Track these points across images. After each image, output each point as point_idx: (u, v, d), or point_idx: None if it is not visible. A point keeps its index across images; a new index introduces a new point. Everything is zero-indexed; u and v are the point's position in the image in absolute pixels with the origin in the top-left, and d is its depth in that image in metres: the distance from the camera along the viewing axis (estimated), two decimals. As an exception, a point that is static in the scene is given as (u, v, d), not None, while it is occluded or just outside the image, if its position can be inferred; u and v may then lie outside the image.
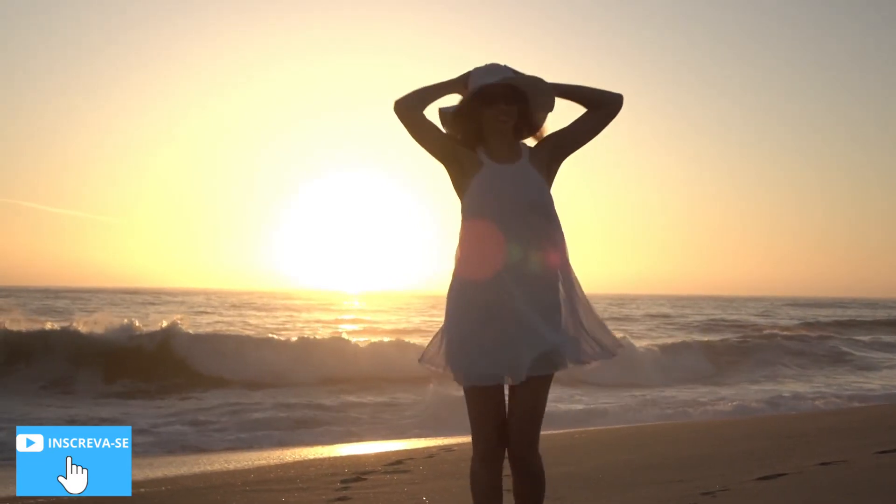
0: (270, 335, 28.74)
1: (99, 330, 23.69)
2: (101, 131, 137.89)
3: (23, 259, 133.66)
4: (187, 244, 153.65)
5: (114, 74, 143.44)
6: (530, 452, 4.05)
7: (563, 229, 4.12)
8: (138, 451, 13.32)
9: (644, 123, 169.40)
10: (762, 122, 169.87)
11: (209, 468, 10.39)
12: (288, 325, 43.66)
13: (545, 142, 4.21)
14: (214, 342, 24.32)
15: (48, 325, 24.46)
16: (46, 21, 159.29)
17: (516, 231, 3.98)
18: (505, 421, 4.09)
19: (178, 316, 28.16)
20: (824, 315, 67.06)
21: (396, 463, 9.10)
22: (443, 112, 4.17)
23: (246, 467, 10.21)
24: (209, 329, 36.95)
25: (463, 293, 4.01)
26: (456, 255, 4.09)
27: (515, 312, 3.93)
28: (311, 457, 10.98)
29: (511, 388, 4.07)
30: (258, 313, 56.93)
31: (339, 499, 7.33)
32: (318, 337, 27.17)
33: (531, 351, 3.93)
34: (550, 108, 4.15)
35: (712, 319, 57.66)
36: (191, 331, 25.51)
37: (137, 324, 25.02)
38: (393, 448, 11.53)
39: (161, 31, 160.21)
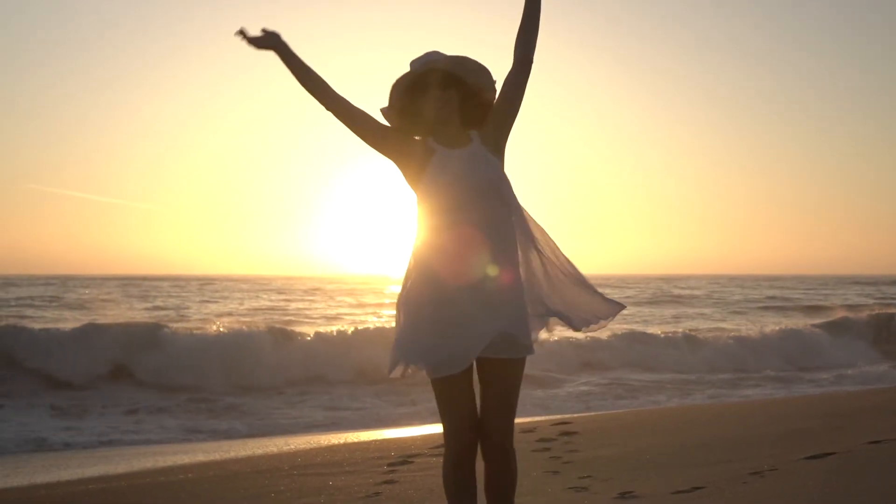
0: (320, 328, 28.80)
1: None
2: (140, 119, 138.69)
3: (65, 248, 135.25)
4: (228, 230, 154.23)
5: (153, 62, 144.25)
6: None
7: (523, 207, 4.07)
8: (185, 438, 13.45)
9: (668, 101, 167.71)
10: (794, 90, 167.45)
11: (256, 452, 10.46)
12: (338, 313, 43.88)
13: (489, 119, 4.13)
14: (259, 335, 24.09)
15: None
16: (86, 9, 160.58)
17: (471, 216, 3.93)
18: (475, 415, 4.07)
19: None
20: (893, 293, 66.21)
21: (442, 446, 9.08)
22: (385, 111, 4.12)
23: (293, 451, 10.27)
24: (252, 319, 37.22)
25: (419, 284, 3.96)
26: (414, 246, 4.03)
27: (466, 302, 3.89)
28: (358, 440, 11.02)
29: (481, 378, 4.02)
30: (311, 297, 57.22)
31: (386, 482, 7.35)
32: (364, 326, 27.18)
33: (482, 337, 3.87)
34: (491, 83, 4.10)
35: (811, 300, 56.86)
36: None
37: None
38: (439, 431, 11.54)
39: (200, 18, 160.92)
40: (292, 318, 38.64)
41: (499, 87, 4.13)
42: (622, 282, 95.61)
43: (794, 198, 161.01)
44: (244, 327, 26.71)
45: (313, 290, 67.62)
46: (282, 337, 23.59)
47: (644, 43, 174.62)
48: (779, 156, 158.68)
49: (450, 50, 4.13)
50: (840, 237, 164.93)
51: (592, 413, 14.62)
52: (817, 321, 34.05)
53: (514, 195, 4.04)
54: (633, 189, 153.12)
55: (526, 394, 17.82)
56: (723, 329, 33.33)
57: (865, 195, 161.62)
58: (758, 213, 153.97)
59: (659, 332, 28.79)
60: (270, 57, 4.08)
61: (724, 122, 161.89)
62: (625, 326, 33.31)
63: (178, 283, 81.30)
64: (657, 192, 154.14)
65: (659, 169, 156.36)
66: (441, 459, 8.20)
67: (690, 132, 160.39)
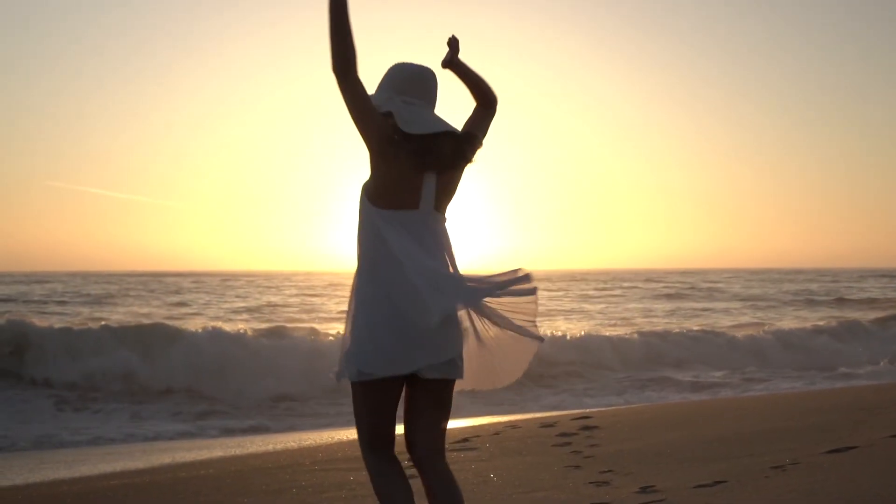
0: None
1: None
2: (161, 116, 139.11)
3: (85, 244, 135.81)
4: (248, 227, 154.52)
5: (174, 59, 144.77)
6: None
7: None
8: (204, 434, 13.50)
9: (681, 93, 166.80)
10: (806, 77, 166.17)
11: (277, 448, 10.48)
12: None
13: None
14: (274, 334, 24.03)
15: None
16: (107, 6, 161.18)
17: None
18: None
19: None
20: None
21: (463, 441, 9.08)
22: None
23: (314, 446, 10.29)
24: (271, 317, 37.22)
25: None
26: None
27: None
28: (378, 435, 11.00)
29: None
30: (330, 293, 57.29)
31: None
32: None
33: None
34: None
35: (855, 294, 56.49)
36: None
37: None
38: (459, 426, 11.55)
39: (220, 17, 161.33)
40: (310, 314, 38.72)
41: None
42: (636, 275, 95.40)
43: (806, 192, 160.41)
44: (260, 325, 26.77)
45: (333, 286, 67.74)
46: (296, 335, 23.61)
47: (658, 37, 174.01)
48: (788, 150, 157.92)
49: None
50: (851, 230, 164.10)
51: (613, 407, 14.59)
52: (872, 316, 33.75)
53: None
54: (645, 184, 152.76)
55: (540, 393, 17.85)
56: (781, 324, 32.92)
57: (877, 188, 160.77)
58: (771, 207, 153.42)
59: (695, 328, 28.78)
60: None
61: (730, 118, 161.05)
62: (676, 321, 33.08)
63: (200, 279, 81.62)
64: (669, 186, 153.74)
65: (671, 164, 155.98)
66: (460, 454, 8.22)
67: (700, 129, 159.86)
